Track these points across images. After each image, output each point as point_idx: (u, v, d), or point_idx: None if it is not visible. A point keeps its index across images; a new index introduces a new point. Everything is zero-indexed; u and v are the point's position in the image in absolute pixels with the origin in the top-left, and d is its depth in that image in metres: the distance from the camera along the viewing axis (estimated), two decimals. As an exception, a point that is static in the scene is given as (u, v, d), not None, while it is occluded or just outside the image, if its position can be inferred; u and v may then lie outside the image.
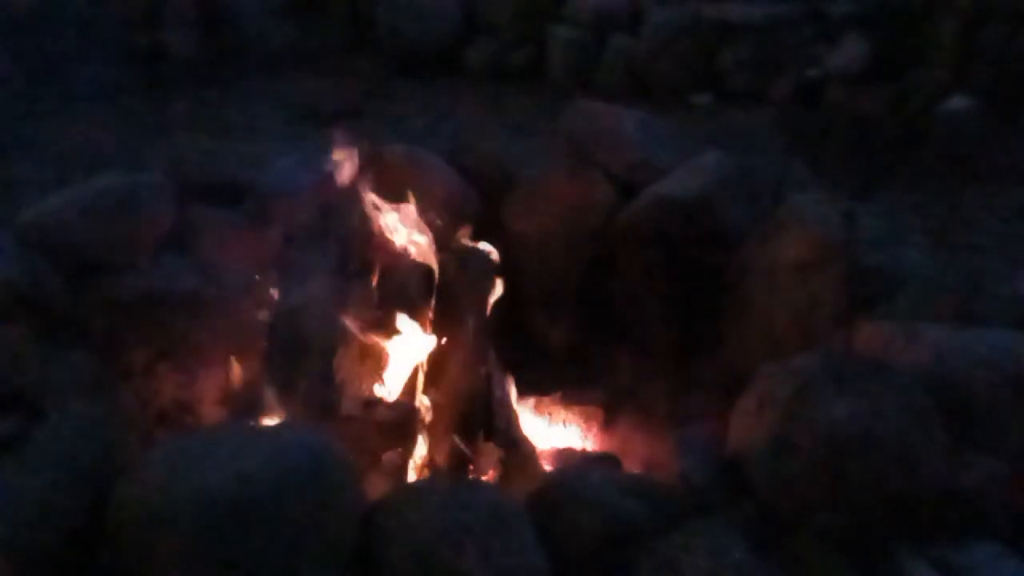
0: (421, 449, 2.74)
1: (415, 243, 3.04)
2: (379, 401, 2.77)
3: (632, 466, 2.82)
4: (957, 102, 6.41)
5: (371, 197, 3.05)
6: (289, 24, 8.57)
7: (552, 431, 3.22)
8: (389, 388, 2.82)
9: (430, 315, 2.83)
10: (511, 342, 3.14)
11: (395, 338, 2.82)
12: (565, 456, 3.00)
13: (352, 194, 3.06)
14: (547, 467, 2.86)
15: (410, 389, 2.84)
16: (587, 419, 3.27)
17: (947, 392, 2.22)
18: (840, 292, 2.84)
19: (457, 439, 2.74)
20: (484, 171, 3.69)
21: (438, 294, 2.84)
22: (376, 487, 2.52)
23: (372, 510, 2.07)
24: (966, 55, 6.52)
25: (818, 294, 2.89)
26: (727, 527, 2.05)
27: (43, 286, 2.90)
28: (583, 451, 3.09)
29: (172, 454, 2.05)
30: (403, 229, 3.04)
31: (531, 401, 3.17)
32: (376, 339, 2.81)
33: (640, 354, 3.42)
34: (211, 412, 2.92)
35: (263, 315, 2.87)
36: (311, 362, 2.83)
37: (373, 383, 2.81)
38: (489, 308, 2.92)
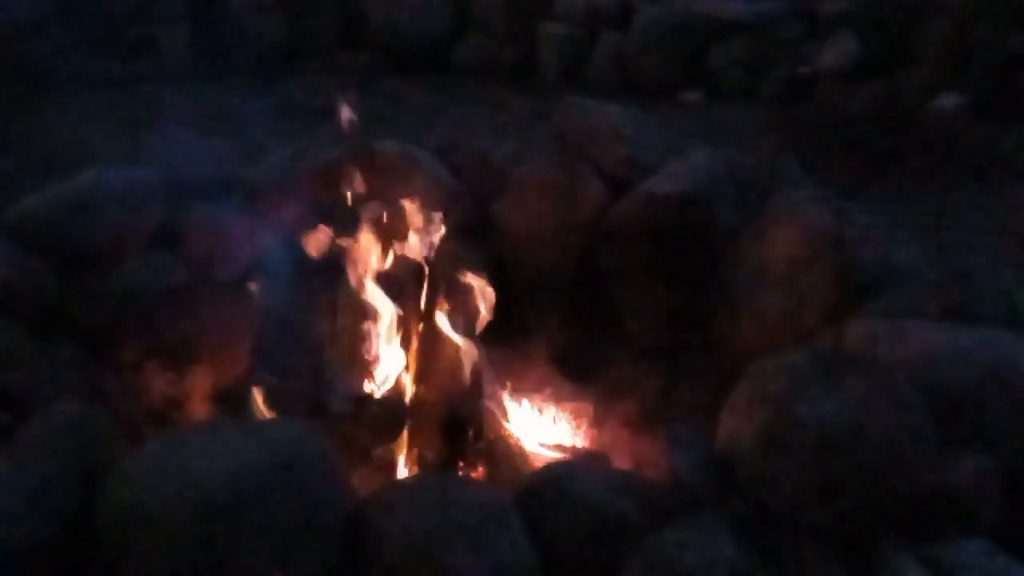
0: (411, 446, 2.74)
1: (406, 240, 3.04)
2: (368, 398, 2.77)
3: (622, 463, 2.81)
4: (947, 100, 6.43)
5: (361, 193, 3.04)
6: (279, 20, 8.56)
7: (542, 427, 3.21)
8: (378, 385, 2.82)
9: (420, 312, 2.83)
10: (501, 339, 3.14)
11: (385, 335, 2.81)
12: (555, 452, 3.00)
13: (342, 191, 3.05)
14: (537, 464, 2.85)
15: (399, 386, 2.84)
16: (577, 415, 3.27)
17: (936, 389, 2.23)
18: (830, 289, 2.85)
19: (446, 436, 2.74)
20: (475, 168, 3.69)
21: (428, 291, 2.84)
22: (366, 484, 2.51)
23: (362, 507, 2.07)
24: (957, 53, 6.54)
25: (808, 290, 2.89)
26: (717, 524, 2.05)
27: (33, 282, 2.89)
28: (573, 448, 3.08)
29: (161, 451, 2.05)
30: (394, 226, 3.03)
31: (521, 397, 3.17)
32: (366, 336, 2.80)
33: (630, 350, 3.42)
34: (201, 409, 2.92)
35: (253, 312, 2.86)
36: (301, 359, 2.82)
37: (362, 380, 2.80)
38: (482, 306, 2.92)
